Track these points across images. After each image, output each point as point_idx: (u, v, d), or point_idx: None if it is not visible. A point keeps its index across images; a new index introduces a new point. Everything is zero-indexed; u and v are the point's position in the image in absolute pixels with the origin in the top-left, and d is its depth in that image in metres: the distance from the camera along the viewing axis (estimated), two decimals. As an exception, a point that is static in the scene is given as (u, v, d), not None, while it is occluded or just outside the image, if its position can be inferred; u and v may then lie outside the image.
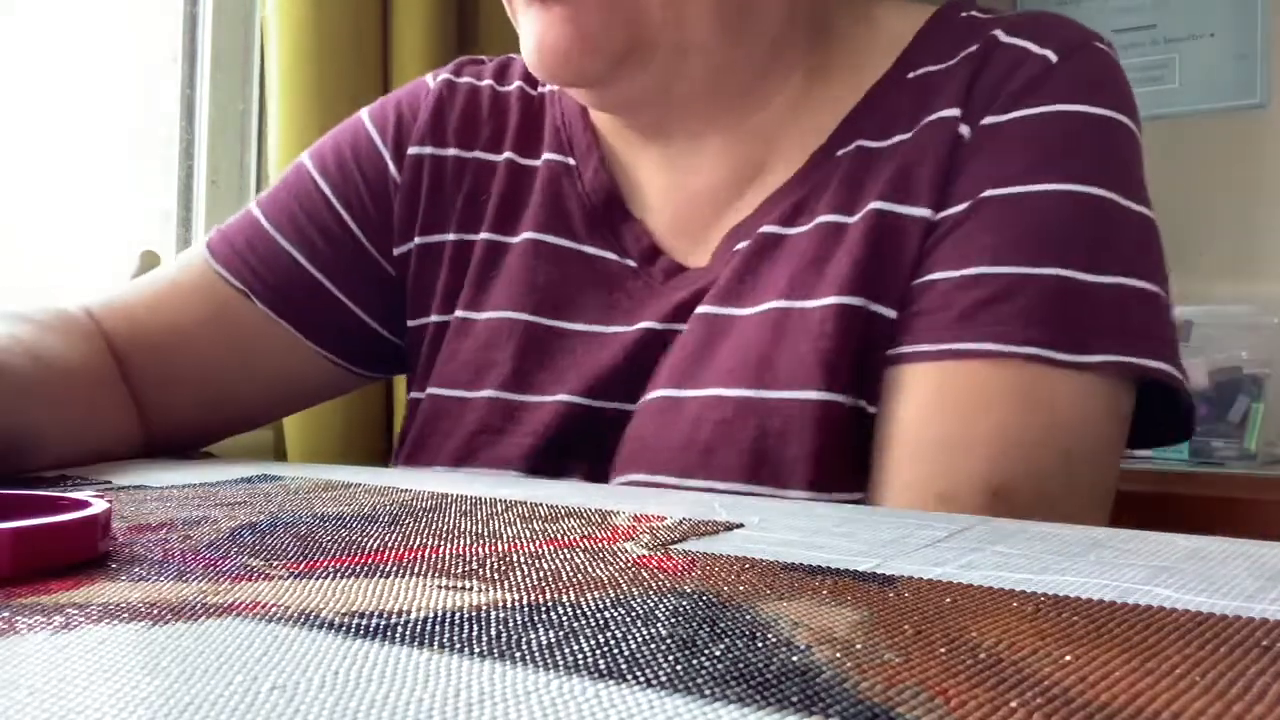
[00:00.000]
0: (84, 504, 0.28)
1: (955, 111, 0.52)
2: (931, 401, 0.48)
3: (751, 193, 0.57)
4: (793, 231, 0.54)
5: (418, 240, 0.63)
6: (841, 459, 0.49)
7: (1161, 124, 1.62)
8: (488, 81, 0.66)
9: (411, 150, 0.64)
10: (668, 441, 0.51)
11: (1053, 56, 0.52)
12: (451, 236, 0.62)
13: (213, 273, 0.64)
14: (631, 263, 0.59)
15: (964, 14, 0.57)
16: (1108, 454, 0.48)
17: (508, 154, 0.63)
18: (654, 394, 0.53)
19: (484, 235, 0.62)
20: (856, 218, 0.52)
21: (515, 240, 0.61)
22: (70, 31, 1.09)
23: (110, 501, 0.29)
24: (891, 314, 0.50)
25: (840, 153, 0.55)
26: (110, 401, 0.60)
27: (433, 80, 0.67)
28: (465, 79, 0.66)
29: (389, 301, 0.65)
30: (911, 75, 0.55)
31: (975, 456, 0.46)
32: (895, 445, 0.48)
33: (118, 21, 1.15)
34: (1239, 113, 1.59)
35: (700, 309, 0.54)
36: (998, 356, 0.47)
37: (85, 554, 0.26)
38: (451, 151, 0.64)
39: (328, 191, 0.64)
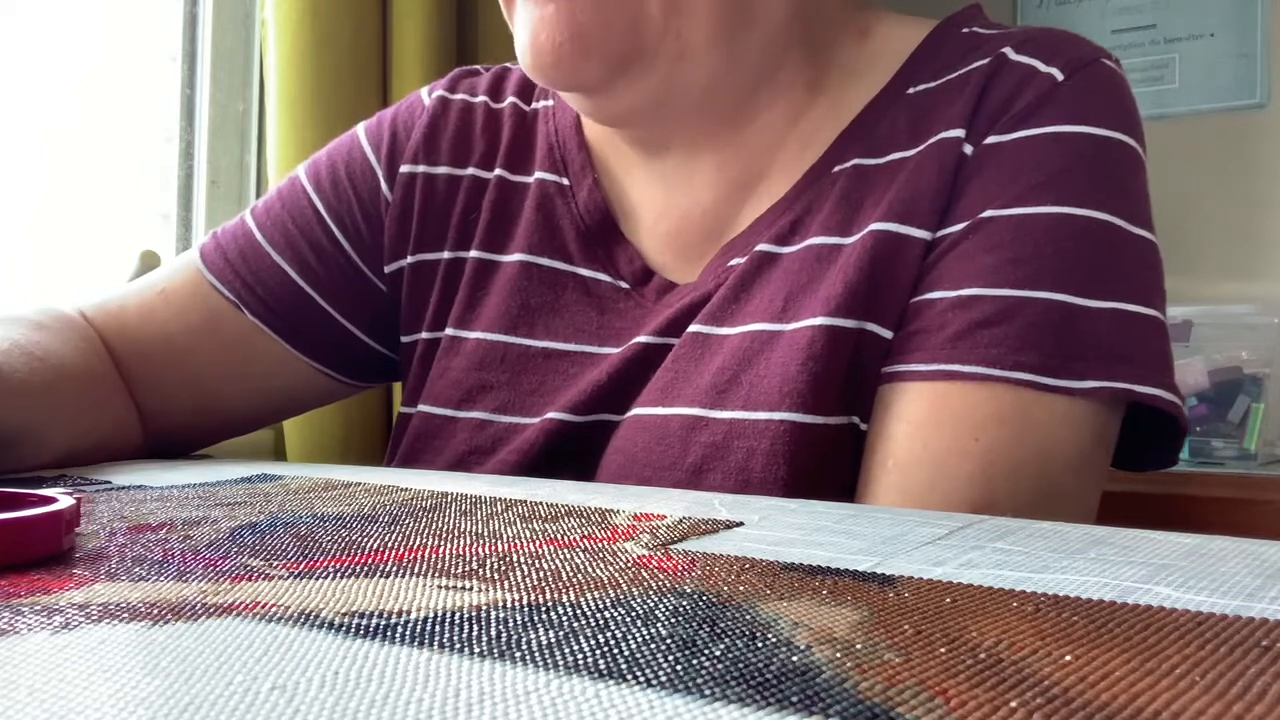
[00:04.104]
0: (50, 500, 0.29)
1: (959, 132, 0.51)
2: (921, 421, 0.48)
3: (747, 208, 0.57)
4: (786, 250, 0.54)
5: (411, 258, 0.63)
6: (828, 479, 0.49)
7: (1161, 124, 1.62)
8: (482, 98, 0.65)
9: (404, 169, 0.64)
10: (653, 459, 0.51)
11: (1059, 75, 0.51)
12: (446, 255, 0.62)
13: (205, 282, 0.64)
14: (624, 284, 0.59)
15: (965, 29, 0.56)
16: (1092, 479, 0.49)
17: (499, 170, 0.63)
18: (640, 410, 0.53)
19: (474, 253, 0.61)
20: (853, 239, 0.51)
21: (506, 259, 0.61)
22: (70, 31, 1.09)
23: (77, 499, 0.29)
24: (888, 334, 0.50)
25: (836, 169, 0.54)
26: (110, 400, 0.61)
27: (428, 96, 0.66)
28: (460, 95, 0.66)
29: (381, 317, 0.65)
30: (911, 91, 0.55)
31: (961, 479, 0.46)
32: (883, 463, 0.48)
33: (118, 21, 1.15)
34: (1239, 113, 1.59)
35: (692, 327, 0.54)
36: (989, 380, 0.47)
37: (48, 549, 0.27)
38: (444, 170, 0.63)
39: (321, 208, 0.64)
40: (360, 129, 0.67)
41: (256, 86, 1.17)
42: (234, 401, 0.66)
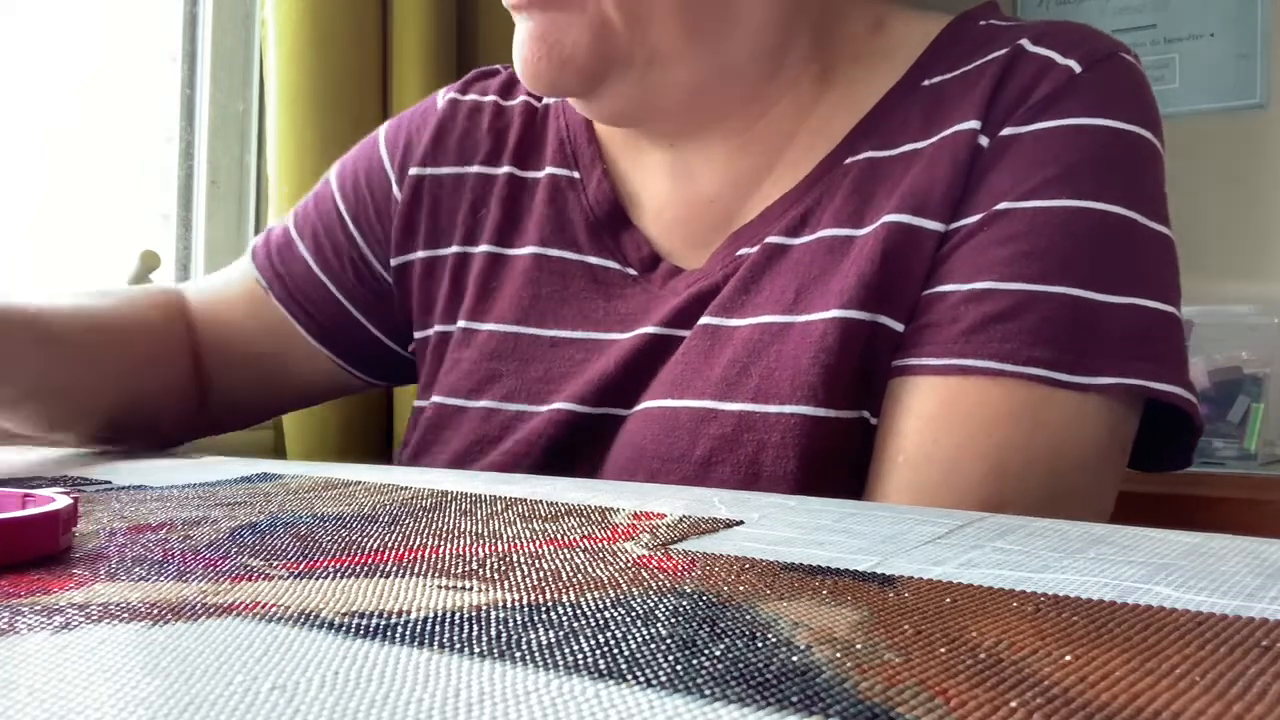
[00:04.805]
0: (47, 500, 0.29)
1: (975, 124, 0.51)
2: (933, 417, 0.47)
3: (755, 198, 0.57)
4: (798, 242, 0.54)
5: (418, 254, 0.65)
6: (836, 472, 0.49)
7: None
8: (492, 97, 0.67)
9: (413, 171, 0.66)
10: (664, 452, 0.51)
11: (1077, 67, 0.51)
12: (454, 249, 0.64)
13: (251, 272, 0.70)
14: (632, 271, 0.59)
15: (982, 22, 0.56)
16: (1107, 477, 0.48)
17: (507, 167, 0.64)
18: (650, 403, 0.53)
19: (484, 247, 0.63)
20: (866, 230, 0.51)
21: (518, 253, 0.62)
22: (70, 31, 1.09)
23: (75, 499, 0.29)
24: (899, 327, 0.50)
25: (849, 161, 0.54)
26: (166, 363, 0.67)
27: (441, 98, 0.69)
28: (470, 96, 0.68)
29: (393, 315, 0.68)
30: (926, 83, 0.55)
31: (973, 476, 0.46)
32: (893, 458, 0.48)
33: (118, 21, 1.15)
34: (1239, 113, 1.59)
35: (703, 319, 0.54)
36: (1002, 375, 0.46)
37: (44, 549, 0.27)
38: (450, 169, 0.66)
39: (343, 209, 0.68)
40: (381, 131, 0.71)
41: (256, 86, 1.17)
42: (273, 385, 0.71)
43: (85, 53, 1.10)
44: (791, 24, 0.56)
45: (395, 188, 0.66)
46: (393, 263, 0.66)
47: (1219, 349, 1.32)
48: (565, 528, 0.32)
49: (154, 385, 0.66)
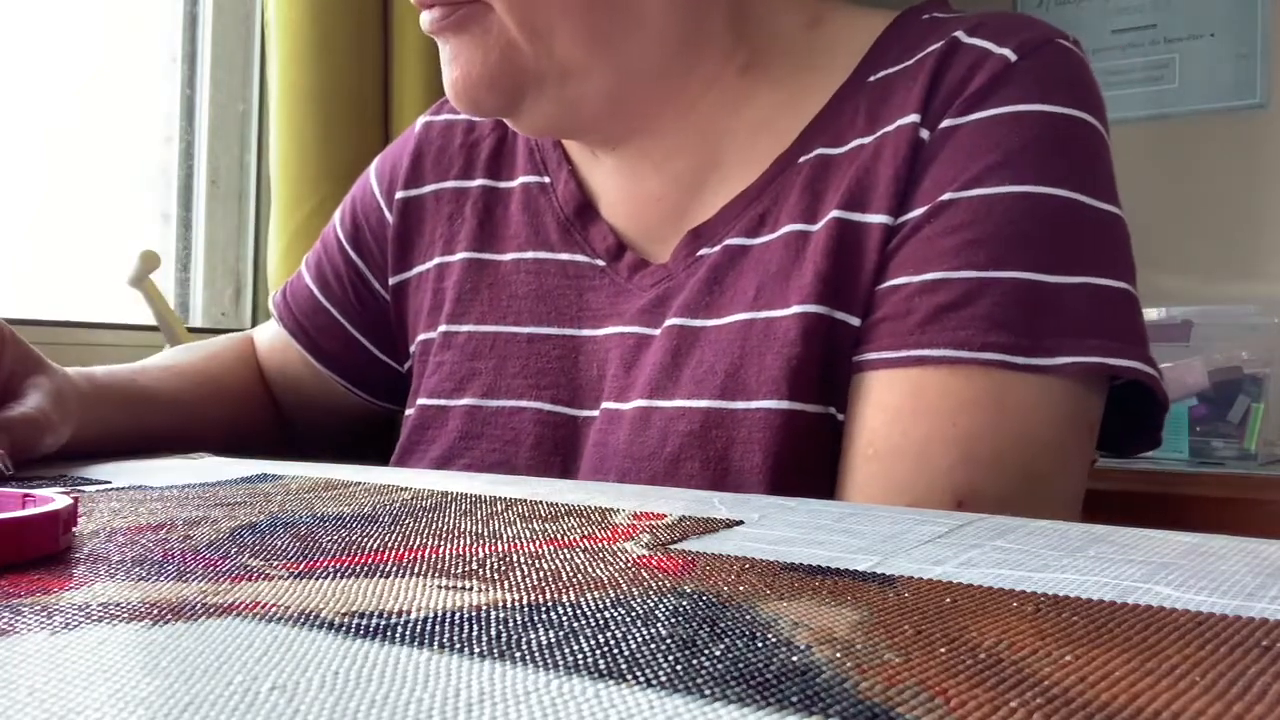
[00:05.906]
0: (47, 500, 0.29)
1: (915, 118, 0.51)
2: (898, 409, 0.48)
3: (709, 192, 0.58)
4: (757, 242, 0.54)
5: (413, 272, 0.68)
6: (805, 468, 0.49)
7: (1161, 124, 1.62)
8: (463, 116, 0.69)
9: (399, 195, 0.69)
10: (634, 450, 0.52)
11: (1012, 56, 0.51)
12: (435, 261, 0.66)
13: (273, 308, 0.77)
14: (600, 262, 0.60)
15: (925, 16, 0.57)
16: (1074, 459, 0.48)
17: (481, 180, 0.66)
18: (622, 404, 0.54)
19: (462, 255, 0.65)
20: (818, 226, 0.52)
21: (498, 259, 0.64)
22: (70, 31, 1.09)
23: (75, 499, 0.29)
24: (855, 321, 0.50)
25: (802, 160, 0.55)
26: (256, 405, 0.76)
27: (419, 124, 0.72)
28: (443, 116, 0.70)
29: (395, 336, 0.71)
30: (872, 79, 0.55)
31: (943, 465, 0.46)
32: (863, 452, 0.48)
33: (118, 21, 1.15)
34: (1239, 113, 1.59)
35: (670, 320, 0.55)
36: (960, 363, 0.47)
37: (44, 549, 0.27)
38: (428, 188, 0.68)
39: (343, 237, 0.72)
40: (373, 163, 0.74)
41: (257, 87, 1.17)
42: (317, 411, 0.76)
43: (85, 53, 1.10)
44: (698, 22, 0.56)
45: (386, 212, 0.69)
46: (391, 282, 0.69)
47: (1219, 349, 1.32)
48: (565, 528, 0.32)
49: (246, 427, 0.73)
